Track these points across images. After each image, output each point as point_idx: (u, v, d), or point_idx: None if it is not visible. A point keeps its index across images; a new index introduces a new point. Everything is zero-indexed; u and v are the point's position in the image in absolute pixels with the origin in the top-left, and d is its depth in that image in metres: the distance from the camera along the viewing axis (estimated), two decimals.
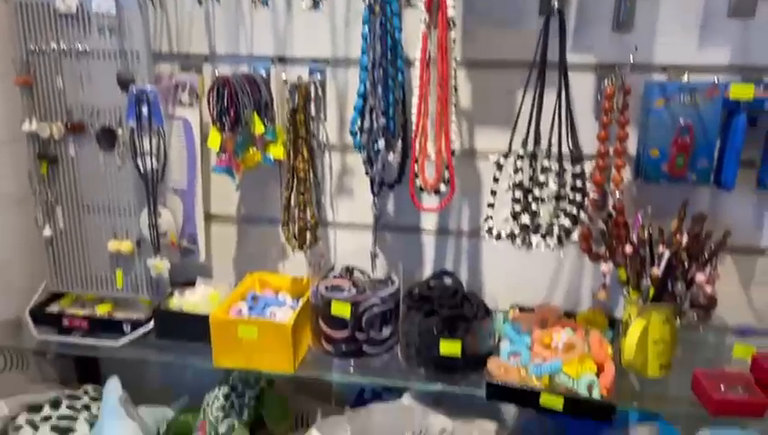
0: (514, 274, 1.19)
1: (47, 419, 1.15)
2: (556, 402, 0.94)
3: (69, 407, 1.18)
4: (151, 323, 1.14)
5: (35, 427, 1.13)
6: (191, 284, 1.22)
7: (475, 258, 1.20)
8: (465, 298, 1.06)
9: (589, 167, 1.00)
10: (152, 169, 1.09)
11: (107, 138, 1.10)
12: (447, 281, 1.11)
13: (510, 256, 1.19)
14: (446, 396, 1.13)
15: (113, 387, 1.13)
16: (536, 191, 0.98)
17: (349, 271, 1.15)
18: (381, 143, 0.99)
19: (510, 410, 1.23)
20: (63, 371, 1.30)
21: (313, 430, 1.08)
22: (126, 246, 1.15)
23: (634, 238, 1.01)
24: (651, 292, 1.00)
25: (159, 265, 1.12)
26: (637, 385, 1.05)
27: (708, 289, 0.98)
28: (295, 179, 1.09)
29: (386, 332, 1.07)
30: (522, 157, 0.98)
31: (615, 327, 1.11)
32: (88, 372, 1.37)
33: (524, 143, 0.98)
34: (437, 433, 1.06)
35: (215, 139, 1.05)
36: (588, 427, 1.08)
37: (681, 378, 1.03)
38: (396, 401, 1.13)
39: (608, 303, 1.14)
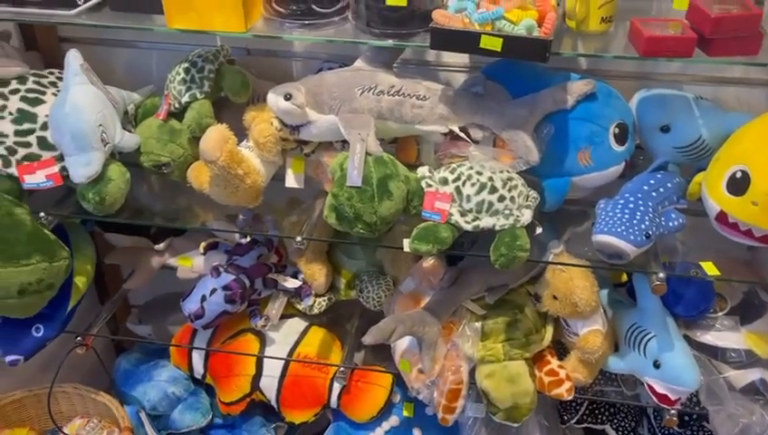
0: None
1: (15, 91, 1.19)
2: (495, 43, 0.98)
3: (36, 83, 1.22)
4: None
5: (5, 98, 1.18)
6: None
7: None
8: None
9: None
10: None
11: None
12: None
13: None
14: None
15: (74, 56, 1.16)
16: None
17: None
18: None
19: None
20: (29, 62, 1.31)
21: (270, 92, 1.14)
22: None
23: None
24: None
25: None
26: (580, 42, 1.09)
27: None
28: None
29: None
30: None
31: None
32: (54, 65, 1.40)
33: None
34: (387, 89, 1.12)
35: None
36: (529, 85, 1.15)
37: (623, 37, 1.07)
38: (348, 67, 1.18)
39: None
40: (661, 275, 1.09)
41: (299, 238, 1.18)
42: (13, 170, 1.16)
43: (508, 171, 1.11)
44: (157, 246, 1.45)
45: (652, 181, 1.13)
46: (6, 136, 1.16)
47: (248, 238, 1.42)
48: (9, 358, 1.25)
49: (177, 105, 1.23)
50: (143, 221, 1.32)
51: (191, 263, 1.44)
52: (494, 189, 1.08)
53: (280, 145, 1.18)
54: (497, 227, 1.08)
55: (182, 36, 1.11)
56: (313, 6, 1.08)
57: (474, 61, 1.32)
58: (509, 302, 1.28)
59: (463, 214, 1.09)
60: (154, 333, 1.66)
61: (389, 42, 1.07)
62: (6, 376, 1.44)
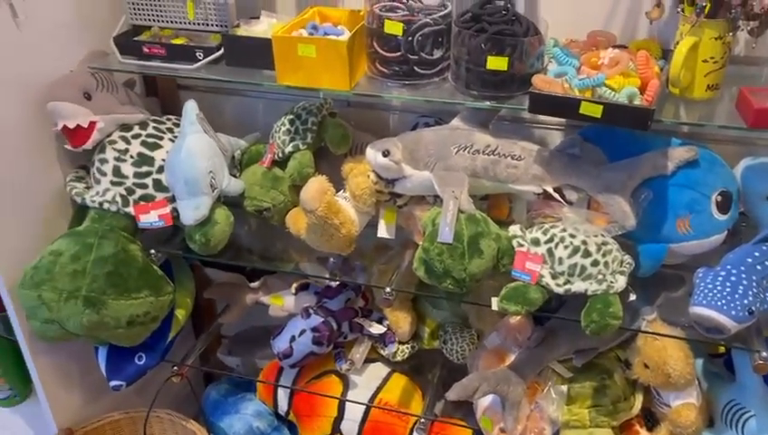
0: (572, 7, 1.19)
1: (137, 136, 1.30)
2: (595, 110, 0.99)
3: (155, 129, 1.33)
4: (221, 51, 1.23)
5: (128, 142, 1.29)
6: (256, 18, 1.29)
7: None
8: (515, 18, 1.07)
9: None
10: None
11: None
12: (500, 4, 1.12)
13: None
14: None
15: (191, 106, 1.25)
16: None
17: None
18: None
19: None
20: (149, 107, 1.43)
21: (368, 147, 1.18)
22: None
23: None
24: (707, 6, 0.98)
25: None
26: (682, 108, 1.07)
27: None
28: None
29: (437, 53, 1.12)
30: None
31: (667, 58, 1.11)
32: (171, 109, 1.51)
33: None
34: (482, 148, 1.14)
35: None
36: (627, 148, 1.13)
37: (729, 105, 1.05)
38: (445, 125, 1.21)
39: (660, 24, 1.14)
40: (764, 353, 1.03)
41: (388, 289, 1.20)
42: (130, 209, 1.26)
43: (602, 235, 1.10)
44: (252, 284, 1.52)
45: (757, 253, 1.08)
46: (127, 177, 1.26)
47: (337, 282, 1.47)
48: (113, 383, 1.34)
49: (280, 154, 1.30)
50: (243, 262, 1.39)
51: (282, 302, 1.50)
52: (587, 253, 1.07)
53: (375, 197, 1.22)
54: (589, 292, 1.07)
55: (288, 88, 1.18)
56: (415, 68, 1.12)
57: (570, 120, 1.32)
58: (597, 366, 1.25)
59: (554, 276, 1.08)
60: (242, 365, 1.72)
61: (486, 103, 1.10)
62: (106, 398, 1.53)
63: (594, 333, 1.05)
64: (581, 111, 1.00)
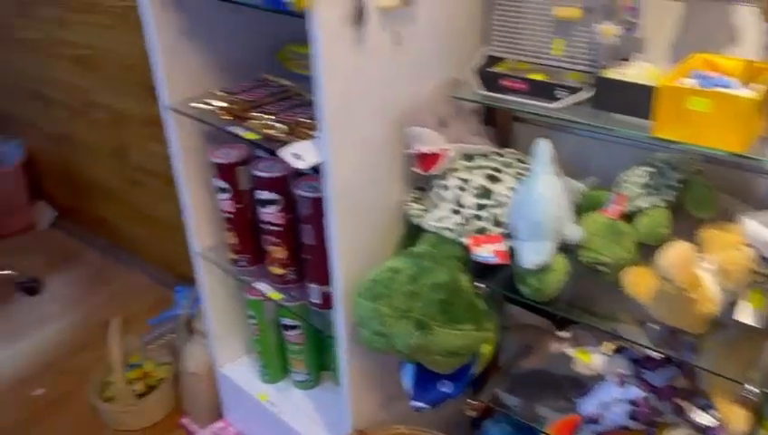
0: None
1: (480, 168, 1.30)
2: None
3: (495, 161, 1.32)
4: (587, 91, 1.16)
5: (471, 172, 1.29)
6: (625, 59, 1.20)
7: None
8: None
9: None
10: None
11: None
12: None
13: None
14: None
15: (546, 146, 1.21)
16: None
17: None
18: None
19: None
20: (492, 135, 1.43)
21: (747, 218, 1.03)
22: (573, 12, 1.16)
23: None
24: None
25: (609, 30, 1.11)
26: None
27: None
28: None
29: None
30: None
31: None
32: (505, 140, 1.50)
33: None
34: None
35: None
36: None
37: None
38: None
39: None
40: None
41: (750, 388, 1.03)
42: (464, 239, 1.26)
43: None
44: (560, 333, 1.45)
45: None
46: (465, 207, 1.26)
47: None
48: (416, 404, 1.36)
49: (631, 207, 1.20)
50: (558, 311, 1.31)
51: (590, 359, 1.40)
52: None
53: (750, 277, 1.06)
54: None
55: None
56: None
57: None
58: None
59: None
60: (520, 406, 1.65)
61: None
62: (395, 409, 1.58)
63: None
64: None
